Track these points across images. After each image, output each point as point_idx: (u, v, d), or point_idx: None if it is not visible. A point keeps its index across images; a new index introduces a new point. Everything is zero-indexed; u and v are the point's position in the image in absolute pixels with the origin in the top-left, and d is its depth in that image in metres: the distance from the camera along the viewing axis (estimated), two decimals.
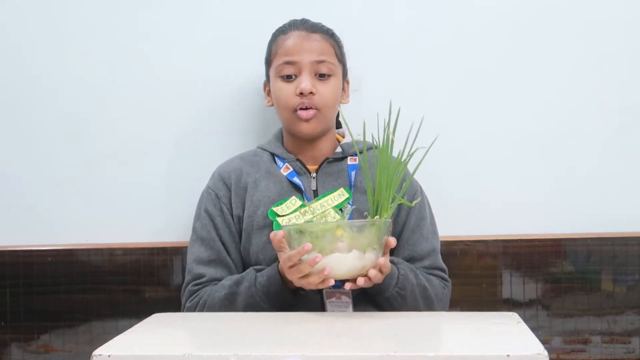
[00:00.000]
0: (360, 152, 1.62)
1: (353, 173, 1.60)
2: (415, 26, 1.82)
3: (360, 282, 1.32)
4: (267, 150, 1.64)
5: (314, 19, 1.62)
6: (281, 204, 1.52)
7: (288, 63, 1.56)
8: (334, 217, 1.48)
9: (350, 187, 1.58)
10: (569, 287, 1.79)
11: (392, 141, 1.34)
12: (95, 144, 1.82)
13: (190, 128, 1.83)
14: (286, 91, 1.56)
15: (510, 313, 1.35)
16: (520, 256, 1.78)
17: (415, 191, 1.62)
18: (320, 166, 1.61)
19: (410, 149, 1.35)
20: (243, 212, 1.59)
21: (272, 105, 1.64)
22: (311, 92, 1.54)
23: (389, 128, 1.35)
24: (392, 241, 1.34)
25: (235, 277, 1.52)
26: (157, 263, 1.79)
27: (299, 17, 1.62)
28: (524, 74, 1.83)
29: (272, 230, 1.51)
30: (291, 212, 1.51)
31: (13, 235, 1.81)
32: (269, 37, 1.63)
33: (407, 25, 1.82)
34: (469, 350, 1.12)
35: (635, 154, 1.83)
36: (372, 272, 1.32)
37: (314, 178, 1.60)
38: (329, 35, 1.60)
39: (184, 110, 1.83)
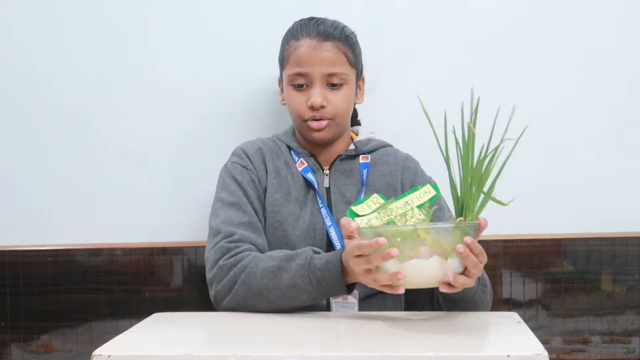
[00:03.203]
0: (374, 151, 1.62)
1: (365, 171, 1.59)
2: (424, 23, 1.83)
3: (443, 289, 1.22)
4: (283, 142, 1.63)
5: (323, 14, 1.61)
6: (361, 202, 1.35)
7: (299, 74, 1.54)
8: (417, 219, 1.31)
9: (362, 185, 1.58)
10: (569, 287, 1.79)
11: (474, 134, 1.22)
12: (95, 143, 1.82)
13: (190, 128, 1.83)
14: (298, 100, 1.55)
15: (510, 313, 1.35)
16: (520, 256, 1.78)
17: (428, 183, 1.60)
18: (332, 163, 1.60)
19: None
20: (265, 186, 1.57)
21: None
22: (322, 106, 1.53)
23: (475, 115, 1.22)
24: (484, 222, 1.24)
25: (287, 251, 1.44)
26: (157, 263, 1.79)
27: (310, 15, 1.60)
28: (524, 73, 1.83)
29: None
30: (372, 212, 1.36)
31: (13, 235, 1.81)
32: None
33: (416, 23, 1.83)
34: (469, 350, 1.12)
35: (636, 154, 1.83)
36: (461, 279, 1.22)
37: (326, 175, 1.60)
38: (342, 40, 1.55)
39: (185, 110, 1.82)
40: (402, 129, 1.77)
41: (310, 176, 1.58)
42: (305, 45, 1.53)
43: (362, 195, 1.57)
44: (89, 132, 1.82)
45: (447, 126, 1.23)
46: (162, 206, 1.83)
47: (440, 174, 1.62)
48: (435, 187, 1.32)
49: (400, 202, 1.31)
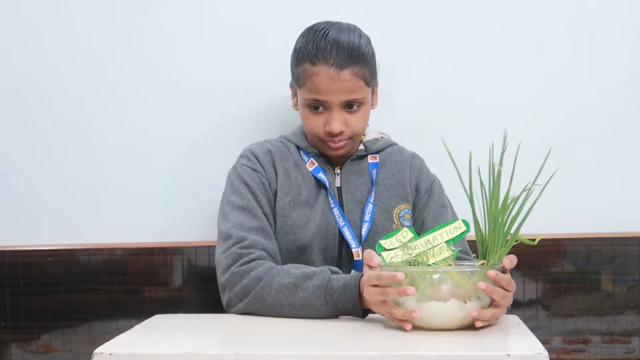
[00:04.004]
0: (381, 150, 1.62)
1: (374, 171, 1.60)
2: (427, 24, 1.83)
3: (478, 324, 1.21)
4: (292, 142, 1.62)
5: (331, 18, 1.59)
6: (390, 236, 1.32)
7: (316, 100, 1.52)
8: (443, 253, 1.27)
9: (372, 184, 1.58)
10: (569, 287, 1.79)
11: (499, 176, 1.22)
12: (95, 144, 1.82)
13: (192, 129, 1.82)
14: (315, 123, 1.54)
15: (511, 315, 1.35)
16: (520, 256, 1.77)
17: (432, 181, 1.62)
18: (343, 163, 1.60)
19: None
20: (275, 188, 1.56)
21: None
22: (341, 132, 1.52)
23: (502, 160, 1.23)
24: (508, 264, 1.25)
25: (305, 268, 1.42)
26: (157, 263, 1.79)
27: (318, 18, 1.58)
28: (524, 73, 1.83)
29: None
30: (399, 246, 1.31)
31: (13, 235, 1.81)
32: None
33: (420, 23, 1.83)
34: (469, 350, 1.12)
35: (636, 154, 1.83)
36: (488, 313, 1.22)
37: (338, 175, 1.59)
38: (360, 63, 1.51)
39: (185, 111, 1.82)
40: (407, 131, 1.78)
41: (321, 176, 1.57)
42: (322, 74, 1.49)
43: (372, 197, 1.57)
44: (89, 133, 1.82)
45: (472, 166, 1.23)
46: (162, 206, 1.83)
47: (443, 175, 1.65)
48: (466, 223, 1.30)
49: (430, 236, 1.29)
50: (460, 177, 1.23)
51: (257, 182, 1.55)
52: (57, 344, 1.79)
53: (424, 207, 1.59)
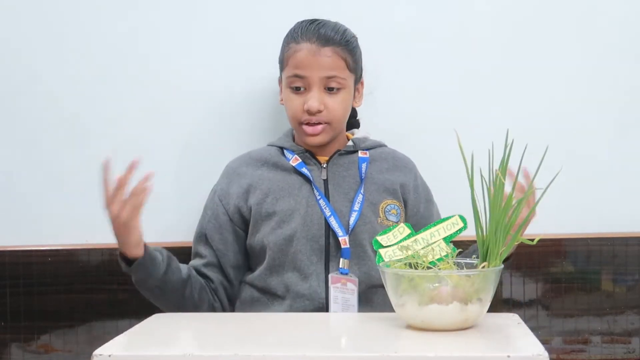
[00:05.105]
0: (371, 148, 1.64)
1: (364, 165, 1.61)
2: (424, 24, 1.83)
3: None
4: (275, 145, 1.65)
5: (324, 16, 1.61)
6: (387, 232, 1.30)
7: (297, 76, 1.56)
8: (441, 251, 1.27)
9: (361, 177, 1.59)
10: (569, 287, 1.79)
11: (502, 184, 1.22)
12: (96, 143, 1.82)
13: (193, 129, 1.83)
14: (295, 103, 1.57)
15: (511, 314, 1.35)
16: (520, 256, 1.77)
17: (426, 188, 1.67)
18: (331, 157, 1.62)
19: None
20: (247, 202, 1.59)
21: None
22: (319, 110, 1.55)
23: (504, 164, 1.25)
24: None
25: None
26: None
27: (311, 17, 1.61)
28: (525, 72, 1.83)
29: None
30: (397, 242, 1.29)
31: (13, 235, 1.81)
32: (276, 38, 1.63)
33: (415, 24, 1.83)
34: (469, 350, 1.12)
35: (636, 154, 1.83)
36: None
37: (324, 168, 1.60)
38: (342, 45, 1.57)
39: (187, 111, 1.82)
40: (398, 132, 1.78)
41: (305, 170, 1.58)
42: (305, 49, 1.55)
43: (362, 189, 1.58)
44: (89, 132, 1.82)
45: (474, 167, 1.24)
46: (162, 207, 1.82)
47: (434, 178, 1.67)
48: (463, 219, 1.31)
49: (427, 233, 1.29)
50: (470, 177, 1.23)
51: (215, 213, 1.62)
52: (57, 344, 1.79)
53: (422, 212, 1.62)
